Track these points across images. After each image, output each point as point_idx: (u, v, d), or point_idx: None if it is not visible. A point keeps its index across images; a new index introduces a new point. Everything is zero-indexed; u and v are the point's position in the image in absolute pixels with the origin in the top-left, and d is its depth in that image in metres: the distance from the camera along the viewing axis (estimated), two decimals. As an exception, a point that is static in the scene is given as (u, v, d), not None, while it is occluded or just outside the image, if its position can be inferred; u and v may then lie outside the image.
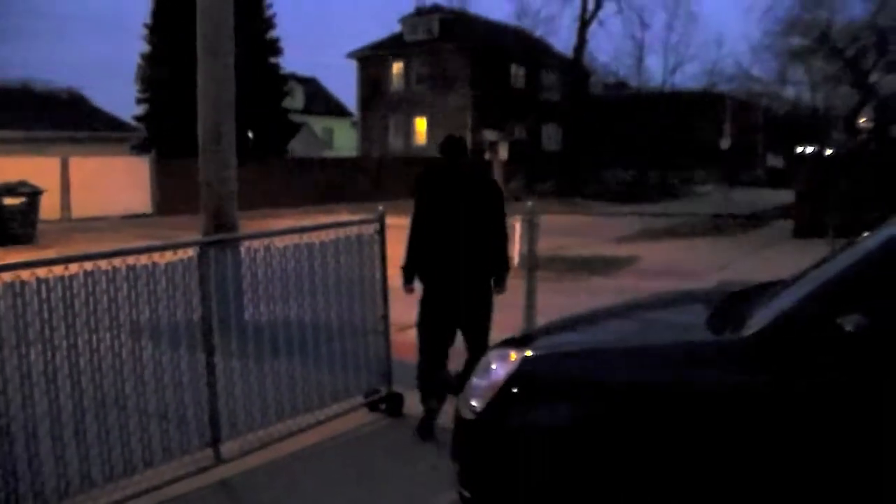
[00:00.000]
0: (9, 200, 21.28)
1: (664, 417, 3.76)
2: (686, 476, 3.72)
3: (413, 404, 6.71)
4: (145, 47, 39.37)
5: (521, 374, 4.05)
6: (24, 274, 4.52)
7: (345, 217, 7.04)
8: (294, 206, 30.33)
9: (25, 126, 33.37)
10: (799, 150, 26.53)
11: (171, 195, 29.03)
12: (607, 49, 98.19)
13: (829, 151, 25.21)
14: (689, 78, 73.39)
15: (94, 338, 4.84)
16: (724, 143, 50.52)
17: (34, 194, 21.99)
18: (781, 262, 13.74)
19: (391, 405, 6.68)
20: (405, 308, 7.47)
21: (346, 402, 6.52)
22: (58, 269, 4.68)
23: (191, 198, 13.68)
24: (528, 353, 4.18)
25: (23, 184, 21.98)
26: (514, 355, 4.14)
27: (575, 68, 48.43)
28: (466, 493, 4.20)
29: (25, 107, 36.33)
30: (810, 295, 3.87)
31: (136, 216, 28.04)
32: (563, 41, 63.03)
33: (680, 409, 3.76)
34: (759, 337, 3.76)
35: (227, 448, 5.55)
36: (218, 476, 5.42)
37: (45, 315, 4.60)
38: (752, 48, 79.98)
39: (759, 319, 3.93)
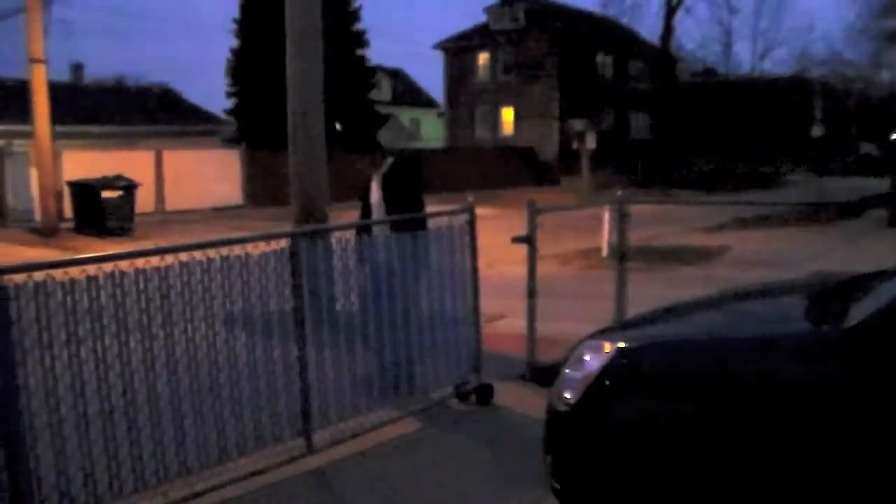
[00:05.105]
0: (106, 194, 21.85)
1: (761, 410, 3.68)
2: (784, 471, 3.63)
3: (503, 395, 6.71)
4: (235, 42, 40.03)
5: (614, 365, 3.99)
6: (123, 264, 4.61)
7: (432, 207, 7.04)
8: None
9: (120, 121, 34.32)
10: (894, 136, 25.64)
11: (262, 187, 29.52)
12: (694, 35, 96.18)
13: (927, 138, 24.33)
14: (778, 64, 72.04)
15: (190, 327, 4.92)
16: (816, 131, 49.29)
17: (130, 187, 22.54)
18: (877, 252, 13.37)
19: (481, 396, 6.67)
20: (495, 299, 7.47)
21: (437, 392, 6.53)
22: (154, 260, 4.78)
23: (280, 189, 13.90)
24: (622, 344, 4.12)
25: (119, 177, 22.54)
26: (607, 346, 4.09)
27: (662, 56, 47.76)
28: (558, 486, 4.17)
29: (120, 103, 37.35)
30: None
31: (228, 208, 28.51)
32: (649, 29, 62.04)
33: (778, 402, 3.67)
34: (862, 328, 3.65)
35: (318, 437, 5.60)
36: (309, 465, 5.47)
37: (143, 304, 4.69)
38: (845, 31, 77.72)
39: (862, 310, 3.82)
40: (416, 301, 6.29)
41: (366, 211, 7.01)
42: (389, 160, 6.93)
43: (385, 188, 6.81)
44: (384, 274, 6.06)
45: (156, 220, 24.99)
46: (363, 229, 6.56)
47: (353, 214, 6.72)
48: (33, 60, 21.31)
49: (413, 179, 7.03)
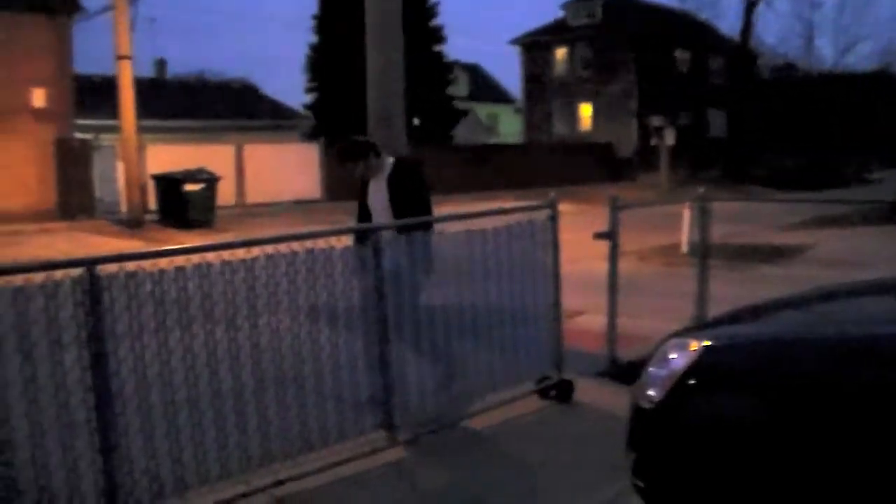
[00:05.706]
0: (189, 187, 22.28)
1: (853, 413, 3.59)
2: (876, 474, 3.54)
3: (583, 392, 6.67)
4: (313, 38, 40.49)
5: (701, 364, 3.95)
6: (210, 256, 4.69)
7: (511, 203, 7.02)
8: (460, 192, 30.07)
9: (202, 116, 34.97)
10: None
11: (340, 181, 29.63)
12: (775, 30, 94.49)
13: None
14: (862, 59, 70.45)
15: (274, 319, 4.98)
16: (902, 127, 48.10)
17: (212, 180, 22.94)
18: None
19: (561, 392, 6.64)
20: (573, 295, 7.42)
21: (517, 388, 6.51)
22: (240, 252, 4.85)
23: (358, 184, 13.98)
24: (708, 342, 4.07)
25: (201, 171, 22.96)
26: (693, 345, 4.04)
27: (741, 52, 46.91)
28: (641, 483, 4.13)
29: (201, 97, 38.10)
30: None
31: (306, 202, 28.79)
32: (728, 23, 61.27)
33: (872, 405, 3.58)
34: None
35: (399, 430, 5.64)
36: (390, 457, 5.51)
37: (229, 296, 4.77)
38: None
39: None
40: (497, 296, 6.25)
41: (363, 213, 6.71)
42: (390, 160, 6.65)
43: (392, 190, 6.51)
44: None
45: (236, 212, 25.39)
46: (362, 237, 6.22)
47: (434, 208, 6.64)
48: (120, 57, 21.82)
49: (418, 179, 6.77)
